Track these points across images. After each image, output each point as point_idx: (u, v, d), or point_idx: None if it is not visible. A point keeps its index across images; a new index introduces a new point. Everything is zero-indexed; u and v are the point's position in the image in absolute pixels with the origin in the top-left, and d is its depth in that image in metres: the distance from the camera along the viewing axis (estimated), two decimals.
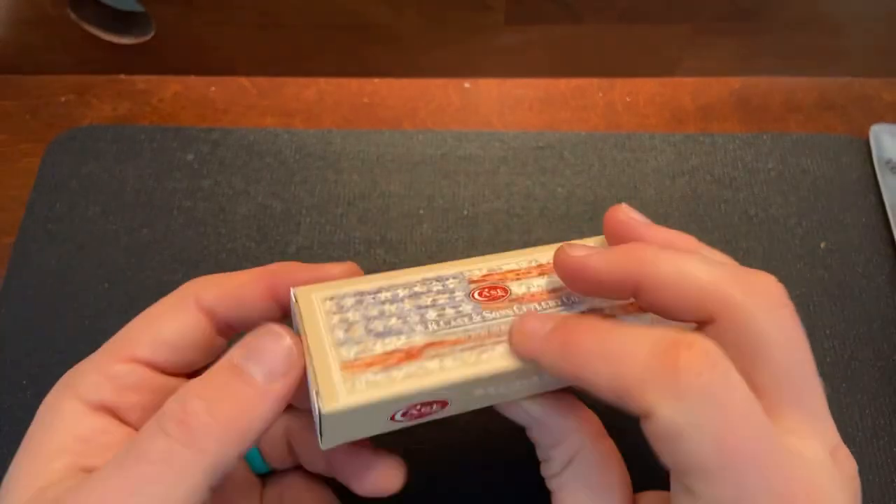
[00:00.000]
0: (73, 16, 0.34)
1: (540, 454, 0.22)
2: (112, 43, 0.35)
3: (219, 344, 0.22)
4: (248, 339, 0.19)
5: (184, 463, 0.17)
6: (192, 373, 0.22)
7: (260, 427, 0.18)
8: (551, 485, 0.21)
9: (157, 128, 0.36)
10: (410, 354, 0.18)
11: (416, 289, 0.20)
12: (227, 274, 0.22)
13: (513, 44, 0.35)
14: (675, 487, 0.17)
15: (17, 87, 0.37)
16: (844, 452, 0.18)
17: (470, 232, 0.33)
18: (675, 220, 0.33)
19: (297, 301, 0.20)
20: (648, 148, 0.35)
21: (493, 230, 0.33)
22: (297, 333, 0.19)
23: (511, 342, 0.19)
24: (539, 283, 0.21)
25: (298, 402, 0.22)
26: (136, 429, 0.20)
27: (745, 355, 0.17)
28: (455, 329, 0.19)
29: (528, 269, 0.21)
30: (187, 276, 0.32)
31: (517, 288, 0.21)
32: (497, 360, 0.19)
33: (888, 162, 0.34)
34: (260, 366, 0.18)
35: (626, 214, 0.21)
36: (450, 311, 0.20)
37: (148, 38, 0.35)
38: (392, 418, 0.19)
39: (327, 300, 0.20)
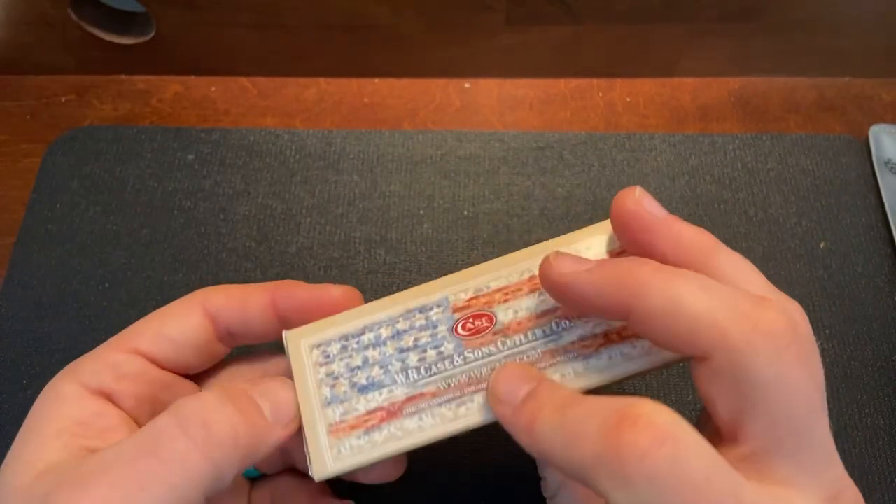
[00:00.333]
0: (73, 16, 0.34)
1: (539, 471, 0.22)
2: (112, 43, 0.35)
3: (218, 351, 0.23)
4: (266, 382, 0.20)
5: (196, 468, 0.17)
6: (188, 375, 0.23)
7: (261, 456, 0.19)
8: None
9: (158, 128, 0.36)
10: (391, 412, 0.20)
11: (399, 326, 0.21)
12: (235, 285, 0.23)
13: (513, 44, 0.36)
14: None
15: (18, 87, 0.37)
16: (850, 496, 0.17)
17: (470, 232, 0.33)
18: None
19: (287, 346, 0.21)
20: (648, 148, 0.35)
21: (493, 230, 0.33)
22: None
23: (488, 400, 0.19)
24: (528, 306, 0.20)
25: None
26: (130, 414, 0.20)
27: (739, 399, 0.16)
28: (435, 377, 0.20)
29: (517, 284, 0.20)
30: (187, 276, 0.32)
31: (503, 315, 0.20)
32: (474, 414, 0.20)
33: (887, 162, 0.34)
34: (271, 407, 0.20)
35: (636, 203, 0.19)
36: (431, 354, 0.20)
37: (148, 38, 0.35)
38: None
39: (314, 349, 0.21)
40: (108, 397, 0.20)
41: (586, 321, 0.20)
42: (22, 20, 0.34)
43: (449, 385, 0.20)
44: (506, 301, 0.20)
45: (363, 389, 0.20)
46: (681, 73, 0.37)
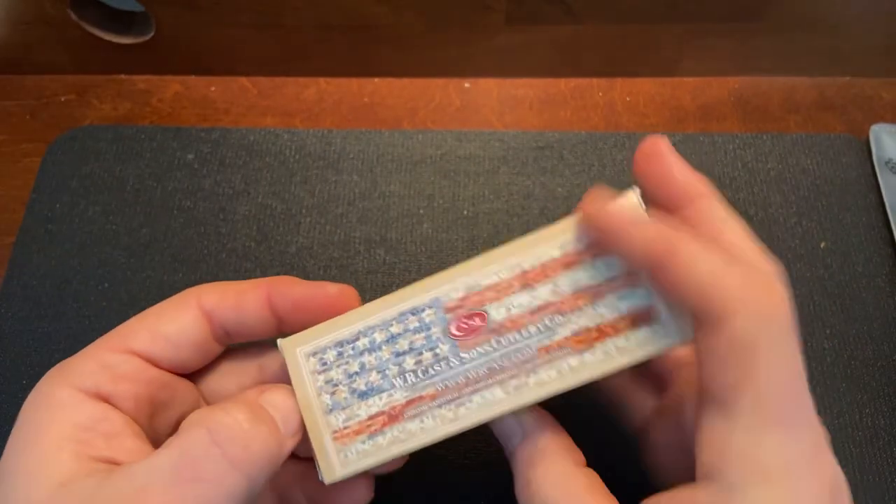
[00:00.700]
0: (73, 16, 0.34)
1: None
2: (112, 43, 0.35)
3: (214, 349, 0.23)
4: (271, 392, 0.20)
5: (235, 487, 0.18)
6: (184, 375, 0.22)
7: (277, 467, 0.19)
8: None
9: (158, 128, 0.36)
10: (392, 417, 0.20)
11: (393, 329, 0.21)
12: (230, 282, 0.22)
13: (513, 44, 0.35)
14: (711, 416, 0.17)
15: (17, 87, 0.37)
16: (826, 440, 0.18)
17: (470, 232, 0.33)
18: None
19: (283, 354, 0.21)
20: None
21: (493, 230, 0.33)
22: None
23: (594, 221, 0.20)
24: (520, 302, 0.20)
25: None
26: (130, 416, 0.20)
27: (746, 363, 0.17)
28: (433, 379, 0.20)
29: (508, 281, 0.20)
30: (187, 276, 0.32)
31: (496, 312, 0.20)
32: (474, 413, 0.20)
33: (888, 162, 0.34)
34: (280, 418, 0.20)
35: (663, 148, 0.20)
36: (427, 356, 0.20)
37: (148, 38, 0.35)
38: None
39: (311, 357, 0.21)
40: (107, 400, 0.20)
41: (579, 315, 0.20)
42: (22, 20, 0.34)
43: (447, 387, 0.20)
44: (498, 298, 0.20)
45: (363, 395, 0.21)
46: (681, 73, 0.37)
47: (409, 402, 0.20)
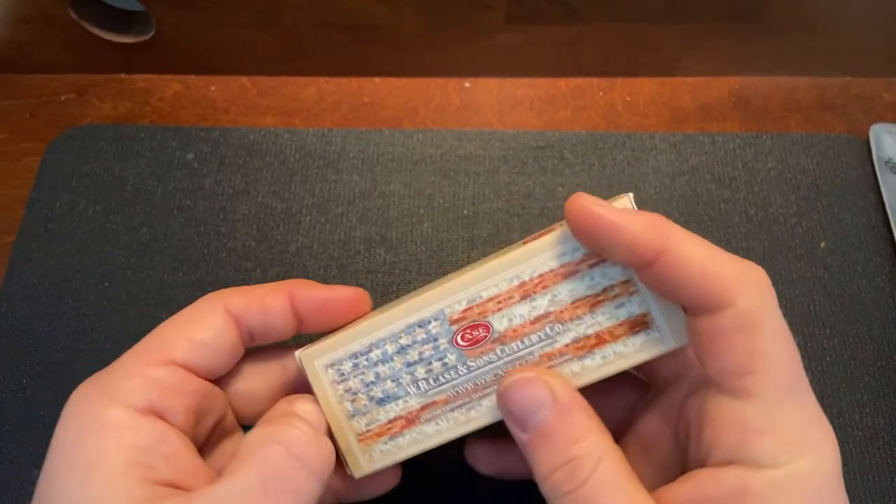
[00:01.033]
0: (73, 15, 0.34)
1: None
2: (112, 42, 0.35)
3: (240, 354, 0.23)
4: (301, 403, 0.22)
5: (315, 493, 0.19)
6: (215, 380, 0.22)
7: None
8: None
9: (158, 127, 0.36)
10: (409, 420, 0.22)
11: (402, 341, 0.21)
12: (249, 286, 0.23)
13: (513, 44, 0.35)
14: (722, 401, 0.18)
15: (18, 86, 0.37)
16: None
17: (470, 231, 0.33)
18: (674, 220, 0.32)
19: (303, 365, 0.22)
20: (648, 148, 0.35)
21: (493, 230, 0.33)
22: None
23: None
24: (521, 313, 0.21)
25: None
26: (182, 430, 0.20)
27: (752, 347, 0.18)
28: (444, 386, 0.21)
29: (508, 292, 0.21)
30: (187, 276, 0.32)
31: (499, 323, 0.21)
32: (484, 416, 0.21)
33: (888, 162, 0.34)
34: (315, 426, 0.21)
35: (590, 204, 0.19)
36: (437, 365, 0.21)
37: (148, 37, 0.35)
38: None
39: (328, 368, 0.22)
40: (160, 415, 0.19)
41: (578, 323, 0.20)
42: (22, 19, 0.34)
43: (457, 393, 0.21)
44: (499, 310, 0.21)
45: (381, 402, 0.22)
46: (681, 73, 0.37)
47: (424, 408, 0.22)
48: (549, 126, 0.36)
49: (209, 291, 0.22)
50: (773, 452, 0.17)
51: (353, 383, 0.22)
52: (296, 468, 0.19)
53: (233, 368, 0.23)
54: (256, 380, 0.23)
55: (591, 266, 0.20)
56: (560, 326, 0.20)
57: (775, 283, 0.19)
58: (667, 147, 0.35)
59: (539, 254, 0.20)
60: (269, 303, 0.22)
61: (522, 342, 0.21)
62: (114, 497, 0.17)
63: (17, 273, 0.32)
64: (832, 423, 0.18)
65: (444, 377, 0.21)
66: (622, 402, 0.24)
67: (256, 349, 0.24)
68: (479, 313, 0.21)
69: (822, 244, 0.33)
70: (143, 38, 0.35)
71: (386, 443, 0.22)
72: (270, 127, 0.36)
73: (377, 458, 0.22)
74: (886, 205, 0.33)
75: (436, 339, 0.21)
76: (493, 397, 0.21)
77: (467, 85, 0.37)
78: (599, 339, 0.20)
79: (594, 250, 0.20)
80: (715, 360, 0.18)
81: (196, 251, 0.33)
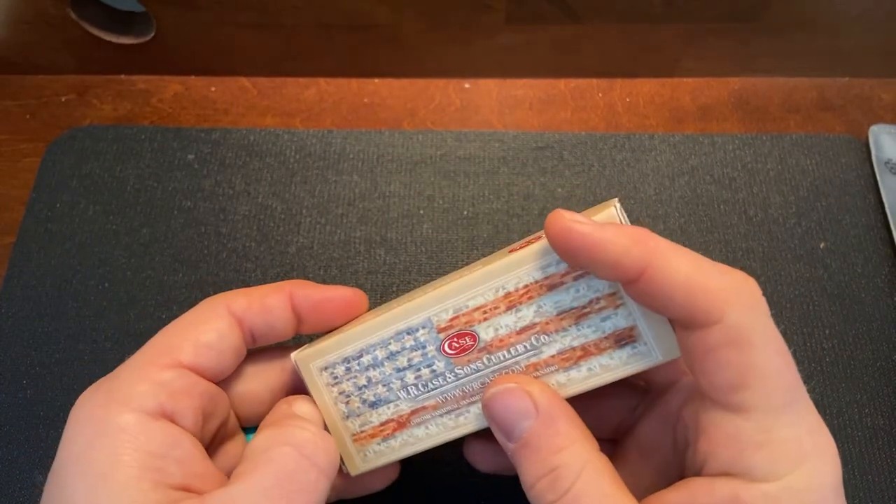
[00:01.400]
0: (73, 15, 0.34)
1: None
2: (112, 43, 0.35)
3: (243, 355, 0.23)
4: (300, 404, 0.22)
5: (325, 490, 0.20)
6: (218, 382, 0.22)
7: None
8: None
9: (158, 128, 0.36)
10: (400, 423, 0.22)
11: (391, 347, 0.22)
12: (250, 288, 0.23)
13: (513, 44, 0.36)
14: (716, 415, 0.18)
15: (17, 87, 0.37)
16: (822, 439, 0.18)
17: (470, 232, 0.33)
18: (674, 221, 0.33)
19: (299, 368, 0.23)
20: (648, 148, 0.35)
21: (493, 230, 0.33)
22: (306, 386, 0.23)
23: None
24: (507, 323, 0.20)
25: None
26: (192, 433, 0.20)
27: (745, 361, 0.17)
28: (433, 392, 0.22)
29: (494, 302, 0.20)
30: (187, 276, 0.32)
31: (485, 333, 0.21)
32: (472, 422, 0.22)
33: (887, 162, 0.34)
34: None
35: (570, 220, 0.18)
36: (426, 372, 0.22)
37: (148, 38, 0.35)
38: None
39: (323, 371, 0.23)
40: (171, 419, 0.19)
41: (564, 335, 0.20)
42: (22, 20, 0.34)
43: (446, 399, 0.22)
44: (485, 319, 0.21)
45: (373, 405, 0.22)
46: (681, 73, 0.37)
47: (414, 412, 0.22)
48: (548, 127, 0.36)
49: (209, 292, 0.23)
50: (769, 466, 0.17)
51: (347, 386, 0.22)
52: (307, 468, 0.19)
53: (234, 371, 0.23)
54: (257, 381, 0.23)
55: (575, 278, 0.20)
56: (546, 337, 0.20)
57: (775, 284, 0.19)
58: (666, 148, 0.35)
59: (524, 264, 0.20)
60: (269, 303, 0.22)
61: (508, 352, 0.21)
62: (126, 500, 0.17)
63: (17, 273, 0.32)
64: (831, 423, 0.18)
65: (432, 383, 0.22)
66: (623, 404, 0.24)
67: (257, 352, 0.24)
68: (466, 322, 0.21)
69: (822, 245, 0.33)
70: (143, 38, 0.35)
71: (379, 444, 0.23)
72: (270, 128, 0.36)
73: (371, 457, 0.23)
74: (886, 205, 0.33)
75: (424, 347, 0.21)
76: (480, 405, 0.21)
77: (467, 86, 0.37)
78: (585, 352, 0.20)
79: (577, 267, 0.19)
80: (707, 376, 0.18)
81: (196, 252, 0.33)
